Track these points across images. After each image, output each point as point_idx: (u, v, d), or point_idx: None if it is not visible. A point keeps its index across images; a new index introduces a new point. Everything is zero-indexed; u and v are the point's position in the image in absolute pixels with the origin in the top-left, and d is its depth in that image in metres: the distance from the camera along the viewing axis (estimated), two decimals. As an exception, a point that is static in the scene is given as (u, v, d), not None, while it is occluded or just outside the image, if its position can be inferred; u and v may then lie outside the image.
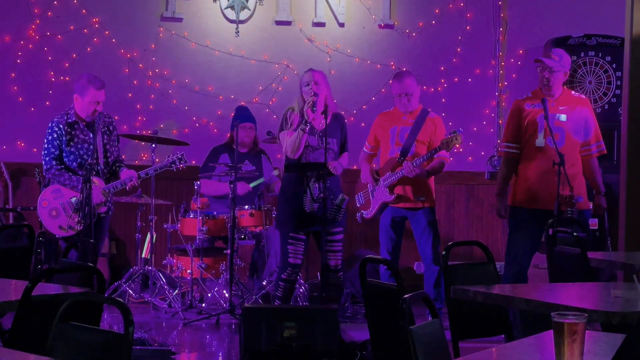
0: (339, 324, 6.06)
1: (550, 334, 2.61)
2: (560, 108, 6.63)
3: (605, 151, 6.77)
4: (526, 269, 6.68)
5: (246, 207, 7.80)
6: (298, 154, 6.59)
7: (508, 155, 6.81)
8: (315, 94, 6.54)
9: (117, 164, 7.06)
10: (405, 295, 3.16)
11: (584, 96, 6.92)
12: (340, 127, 6.76)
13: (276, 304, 6.64)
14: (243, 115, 8.16)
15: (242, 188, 8.02)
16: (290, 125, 6.64)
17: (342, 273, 6.67)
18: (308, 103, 6.51)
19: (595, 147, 6.69)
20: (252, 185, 8.13)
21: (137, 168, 7.14)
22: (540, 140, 6.61)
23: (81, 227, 6.38)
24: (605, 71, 8.66)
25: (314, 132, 6.63)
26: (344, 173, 8.35)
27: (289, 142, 6.57)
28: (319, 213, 6.46)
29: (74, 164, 6.78)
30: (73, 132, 6.80)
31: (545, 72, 6.62)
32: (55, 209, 6.76)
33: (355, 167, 7.79)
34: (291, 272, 6.62)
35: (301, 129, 6.49)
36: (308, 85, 6.62)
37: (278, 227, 6.91)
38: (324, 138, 6.61)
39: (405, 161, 7.04)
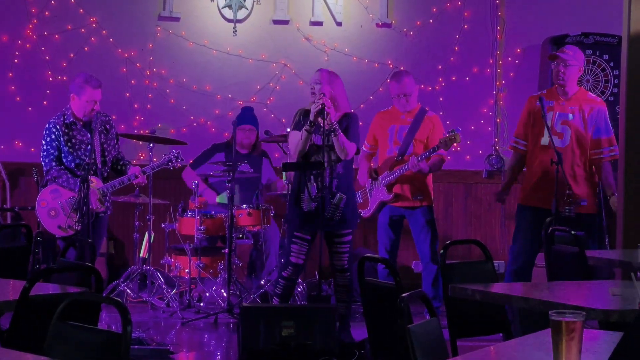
0: (335, 323, 6.06)
1: (548, 332, 2.61)
2: (570, 107, 6.63)
3: (617, 157, 6.69)
4: (529, 266, 6.71)
5: (244, 206, 7.80)
6: (302, 153, 6.46)
7: (514, 149, 6.95)
8: (320, 96, 6.37)
9: (121, 163, 7.06)
10: (404, 294, 3.17)
11: (600, 99, 6.91)
12: (347, 125, 6.52)
13: (274, 301, 6.62)
14: (243, 116, 8.17)
15: (210, 197, 8.10)
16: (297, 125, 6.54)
17: (349, 273, 6.61)
18: (316, 108, 6.31)
19: (607, 151, 6.66)
20: (217, 200, 8.15)
21: (135, 167, 7.15)
22: (545, 139, 6.63)
23: (80, 226, 6.38)
24: (603, 70, 8.66)
25: (319, 131, 6.51)
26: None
27: (293, 143, 6.49)
28: (346, 213, 6.43)
29: (72, 164, 6.78)
30: (71, 133, 6.81)
31: (560, 67, 6.61)
32: (54, 209, 6.76)
33: (353, 166, 7.78)
34: (292, 271, 6.55)
35: (305, 130, 6.36)
36: (313, 87, 6.49)
37: (286, 224, 6.88)
38: (327, 137, 6.54)
39: (412, 156, 7.04)
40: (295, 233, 6.51)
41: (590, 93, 7.04)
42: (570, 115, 6.62)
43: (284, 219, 7.02)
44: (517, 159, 6.93)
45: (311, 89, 6.48)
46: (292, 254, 6.52)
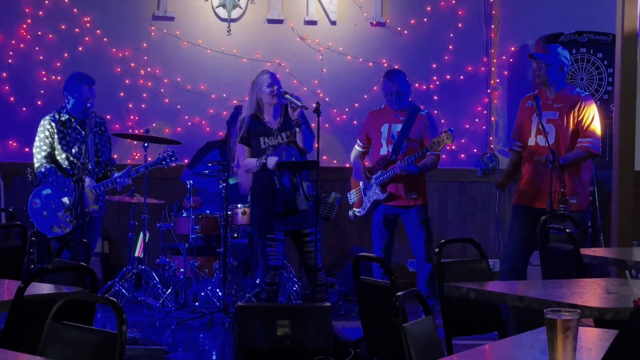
0: (331, 322, 6.06)
1: (543, 330, 2.61)
2: (555, 105, 6.65)
3: (599, 152, 6.70)
4: (522, 265, 6.72)
5: (239, 205, 7.80)
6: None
7: (510, 150, 7.12)
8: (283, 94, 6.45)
9: (109, 168, 7.06)
10: (398, 293, 3.17)
11: (585, 93, 6.90)
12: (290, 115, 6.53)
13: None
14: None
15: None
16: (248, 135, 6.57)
17: (324, 272, 6.58)
18: (295, 105, 6.38)
19: (587, 142, 6.64)
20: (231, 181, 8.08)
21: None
22: (532, 139, 6.68)
23: (72, 226, 6.38)
24: (597, 68, 8.67)
25: (272, 133, 6.56)
26: (337, 171, 8.37)
27: (247, 165, 6.54)
28: (312, 211, 6.41)
29: (66, 162, 6.78)
30: (65, 130, 6.81)
31: (539, 68, 6.67)
32: (47, 209, 6.75)
33: (347, 165, 7.79)
34: (273, 274, 6.49)
35: (261, 163, 6.42)
36: (271, 86, 6.51)
37: (254, 229, 6.82)
38: (282, 134, 6.54)
39: (397, 160, 7.05)
40: (267, 235, 6.46)
41: (577, 88, 7.08)
42: (555, 114, 6.64)
43: (250, 223, 6.99)
44: (513, 159, 7.03)
45: (272, 89, 6.48)
46: (269, 258, 6.45)
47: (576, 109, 6.64)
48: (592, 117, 6.64)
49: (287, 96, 6.40)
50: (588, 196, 6.80)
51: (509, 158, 7.17)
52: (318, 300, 6.47)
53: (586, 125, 6.63)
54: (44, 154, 6.80)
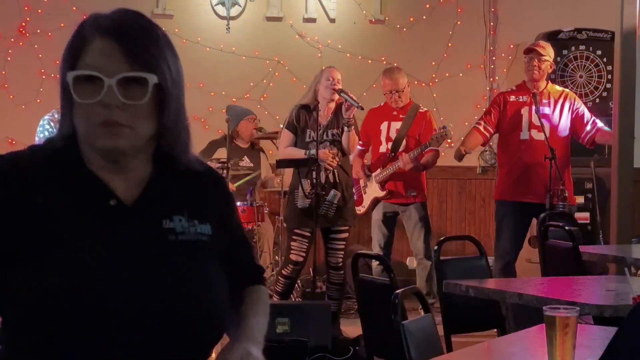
0: (330, 320, 6.07)
1: (542, 327, 2.61)
2: (544, 101, 6.71)
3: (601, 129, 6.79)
4: (513, 261, 6.73)
5: (238, 203, 7.79)
6: None
7: (478, 130, 6.91)
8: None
9: None
10: (398, 291, 3.17)
11: (567, 89, 7.02)
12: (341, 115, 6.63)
13: (274, 299, 6.62)
14: (241, 109, 8.18)
15: None
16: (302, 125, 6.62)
17: (343, 272, 6.63)
18: (351, 104, 6.43)
19: (596, 123, 6.74)
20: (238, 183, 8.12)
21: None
22: (525, 133, 6.69)
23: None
24: (596, 65, 8.67)
25: (319, 128, 6.61)
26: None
27: (290, 154, 6.57)
28: (311, 209, 6.43)
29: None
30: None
31: (534, 61, 6.70)
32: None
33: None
34: (292, 269, 6.55)
35: (310, 154, 6.49)
36: (329, 79, 6.57)
37: (285, 222, 6.92)
38: (328, 131, 6.59)
39: (403, 153, 7.04)
40: (294, 230, 6.53)
41: (556, 85, 7.15)
42: (547, 109, 6.69)
43: (283, 216, 7.04)
44: (476, 139, 6.94)
45: (330, 82, 6.53)
46: (291, 251, 6.53)
47: (569, 102, 6.73)
48: (583, 107, 6.81)
49: (344, 94, 6.46)
50: (572, 189, 6.87)
51: (470, 134, 6.99)
52: (328, 299, 6.52)
53: (586, 112, 6.75)
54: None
